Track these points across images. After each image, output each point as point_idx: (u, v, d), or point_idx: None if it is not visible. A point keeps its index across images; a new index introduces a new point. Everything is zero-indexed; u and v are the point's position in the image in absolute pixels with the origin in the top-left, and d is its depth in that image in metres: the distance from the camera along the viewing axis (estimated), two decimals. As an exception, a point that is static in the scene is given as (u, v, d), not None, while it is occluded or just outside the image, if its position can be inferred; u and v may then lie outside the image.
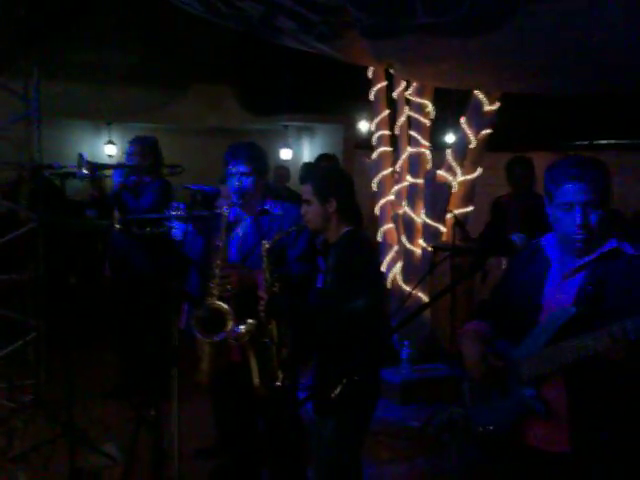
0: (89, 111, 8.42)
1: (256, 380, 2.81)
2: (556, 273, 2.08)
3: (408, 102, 5.49)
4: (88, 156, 4.31)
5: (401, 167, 5.63)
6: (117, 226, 3.81)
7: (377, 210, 5.74)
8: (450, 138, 6.75)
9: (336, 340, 2.58)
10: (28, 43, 4.87)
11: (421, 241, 5.38)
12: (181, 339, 2.88)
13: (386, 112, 5.71)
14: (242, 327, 2.79)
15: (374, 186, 5.74)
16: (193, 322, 2.85)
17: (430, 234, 5.32)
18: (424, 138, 5.40)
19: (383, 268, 5.56)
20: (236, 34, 6.19)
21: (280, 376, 2.75)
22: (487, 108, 5.25)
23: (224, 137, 7.89)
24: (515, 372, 2.04)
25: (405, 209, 5.46)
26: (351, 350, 2.41)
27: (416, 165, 5.41)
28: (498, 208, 5.12)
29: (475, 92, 5.22)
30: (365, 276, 2.58)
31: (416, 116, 5.38)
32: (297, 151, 9.95)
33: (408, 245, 5.42)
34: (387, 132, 5.73)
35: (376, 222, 5.79)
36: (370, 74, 5.69)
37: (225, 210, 3.00)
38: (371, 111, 5.92)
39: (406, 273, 5.41)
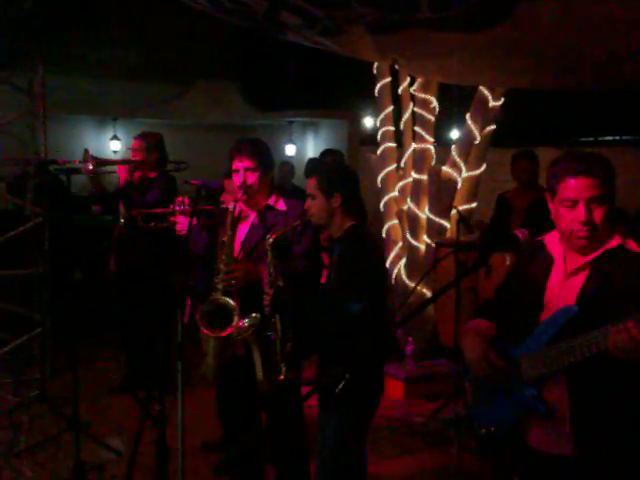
0: (94, 107, 8.44)
1: (260, 374, 2.82)
2: (559, 271, 2.05)
3: (413, 98, 5.48)
4: (93, 151, 4.33)
5: (405, 163, 5.63)
6: (122, 221, 3.82)
7: (381, 206, 5.74)
8: (455, 134, 6.75)
9: (339, 335, 2.59)
10: (33, 38, 4.88)
11: (425, 237, 5.37)
12: (185, 334, 2.88)
13: (390, 108, 5.70)
14: (246, 321, 2.79)
15: (378, 182, 5.74)
16: (198, 317, 2.85)
17: (434, 230, 5.31)
18: (428, 134, 5.39)
19: (387, 264, 5.56)
20: (241, 30, 6.20)
21: (283, 370, 2.76)
22: (492, 104, 5.24)
23: (228, 133, 7.90)
24: (516, 372, 2.02)
25: (409, 205, 5.46)
26: (354, 345, 2.40)
27: (420, 161, 5.40)
28: (503, 203, 5.11)
29: (480, 88, 5.21)
30: (368, 271, 2.58)
31: (421, 112, 5.37)
32: (301, 147, 9.94)
33: (412, 241, 5.41)
34: (391, 128, 5.72)
35: (380, 218, 5.79)
36: (375, 70, 5.68)
37: (230, 205, 3.01)
38: (376, 107, 5.92)
39: (410, 269, 5.41)
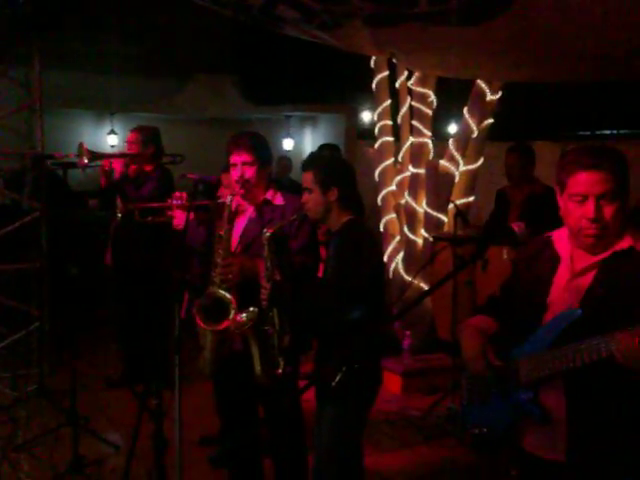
0: (92, 101, 8.43)
1: (258, 368, 2.82)
2: (565, 270, 1.95)
3: (410, 92, 5.48)
4: (90, 146, 4.32)
5: (403, 157, 5.63)
6: (119, 215, 3.81)
7: (379, 200, 5.74)
8: (453, 128, 6.75)
9: (336, 329, 2.59)
10: (30, 32, 4.86)
11: (423, 231, 5.38)
12: (183, 328, 2.88)
13: (388, 102, 5.70)
14: (244, 315, 2.80)
15: (376, 176, 5.73)
16: (195, 311, 2.85)
17: (432, 224, 5.32)
18: (426, 128, 5.38)
19: (385, 258, 5.57)
20: (238, 23, 6.18)
21: (281, 364, 2.76)
22: (489, 98, 5.24)
23: (226, 127, 7.87)
24: (514, 373, 1.94)
25: (407, 199, 5.46)
26: (351, 338, 2.40)
27: (418, 155, 5.40)
28: (501, 198, 5.12)
29: (477, 81, 5.20)
30: (364, 265, 2.58)
31: (418, 106, 5.37)
32: (299, 141, 9.94)
33: (410, 235, 5.42)
34: (389, 122, 5.72)
35: (378, 212, 5.79)
36: (372, 64, 5.68)
37: (227, 199, 3.00)
38: (373, 101, 5.91)
39: (408, 263, 5.41)
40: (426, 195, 5.34)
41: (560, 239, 1.99)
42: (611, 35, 3.64)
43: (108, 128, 9.13)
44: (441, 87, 5.47)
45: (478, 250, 2.33)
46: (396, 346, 5.07)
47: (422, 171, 5.35)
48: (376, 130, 5.77)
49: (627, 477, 1.84)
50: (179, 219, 3.21)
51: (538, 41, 3.89)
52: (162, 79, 8.68)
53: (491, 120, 5.38)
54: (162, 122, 6.71)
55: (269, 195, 3.09)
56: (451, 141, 5.40)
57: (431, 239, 5.26)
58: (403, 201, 5.53)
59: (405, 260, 5.45)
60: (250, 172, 3.01)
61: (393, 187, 5.67)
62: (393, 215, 5.68)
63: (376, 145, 5.75)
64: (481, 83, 5.19)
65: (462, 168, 5.35)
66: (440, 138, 5.86)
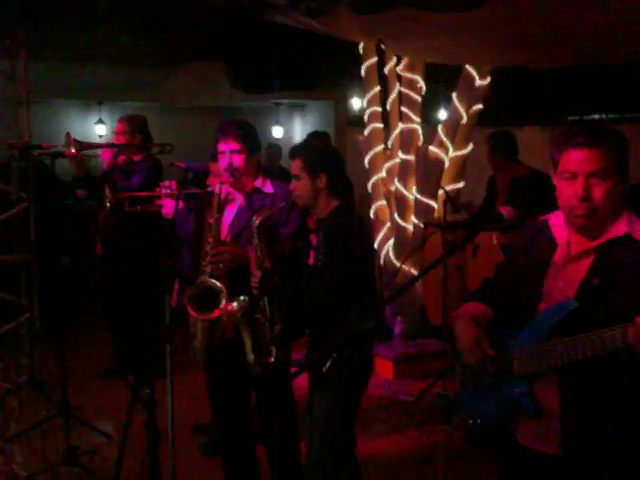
0: (78, 91, 8.35)
1: (250, 356, 2.83)
2: (561, 256, 1.89)
3: (399, 78, 5.47)
4: (78, 136, 4.29)
5: (392, 144, 5.62)
6: (108, 205, 3.79)
7: (369, 187, 5.74)
8: (442, 114, 6.73)
9: (326, 315, 2.60)
10: (15, 22, 4.81)
11: (413, 217, 5.39)
12: (173, 317, 2.88)
13: (377, 88, 5.69)
14: (235, 304, 2.80)
15: (366, 163, 5.73)
16: (186, 300, 2.85)
17: (422, 210, 5.33)
18: (415, 114, 5.38)
19: (376, 245, 5.58)
20: (226, 11, 6.13)
21: (273, 352, 2.77)
22: (478, 83, 5.24)
23: (215, 115, 7.85)
24: (507, 364, 1.90)
25: (397, 186, 5.46)
26: (341, 325, 2.41)
27: (407, 141, 5.40)
28: (491, 184, 5.14)
29: (466, 67, 5.20)
30: (353, 251, 2.58)
31: (407, 92, 5.36)
32: (289, 129, 9.90)
33: (400, 222, 5.43)
34: (378, 109, 5.71)
35: (368, 199, 5.79)
36: (361, 50, 5.66)
37: (217, 188, 2.99)
38: (362, 88, 5.90)
39: (399, 250, 5.43)
40: (416, 181, 5.35)
41: (557, 223, 1.94)
42: (600, 19, 3.64)
43: (96, 118, 9.06)
44: (430, 73, 5.46)
45: (466, 234, 2.29)
46: (387, 332, 5.10)
47: (412, 157, 5.35)
48: (365, 117, 5.76)
49: (621, 470, 1.81)
50: (168, 208, 3.20)
51: (527, 26, 3.88)
52: (150, 68, 8.60)
53: (480, 106, 5.38)
54: (150, 111, 6.68)
55: (258, 183, 3.08)
56: (440, 127, 5.40)
57: (421, 225, 5.27)
58: (393, 188, 5.53)
59: (396, 247, 5.46)
60: (238, 160, 3.00)
61: (383, 174, 5.67)
62: (383, 202, 5.69)
63: (365, 132, 5.74)
64: (470, 68, 5.18)
65: (451, 154, 5.36)
66: (430, 124, 5.85)
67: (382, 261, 5.53)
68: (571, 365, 1.76)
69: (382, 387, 4.74)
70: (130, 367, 4.65)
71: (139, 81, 8.58)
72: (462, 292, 4.46)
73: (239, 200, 3.09)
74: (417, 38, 4.66)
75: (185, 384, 3.90)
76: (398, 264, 5.37)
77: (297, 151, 2.77)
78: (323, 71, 8.37)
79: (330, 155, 2.79)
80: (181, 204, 3.17)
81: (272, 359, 2.77)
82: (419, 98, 5.38)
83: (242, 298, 2.79)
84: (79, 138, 4.25)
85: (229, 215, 3.09)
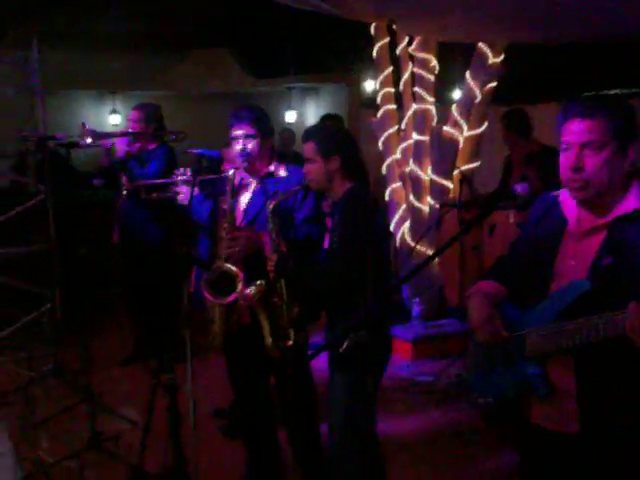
0: (92, 81, 8.39)
1: (268, 340, 2.85)
2: (571, 234, 1.86)
3: (412, 58, 5.42)
4: (92, 126, 4.32)
5: (406, 125, 5.59)
6: (124, 192, 3.82)
7: (384, 169, 5.72)
8: (457, 94, 6.68)
9: (342, 297, 2.60)
10: (27, 13, 4.83)
11: (429, 198, 5.36)
12: (192, 303, 2.90)
13: (390, 69, 5.64)
14: (251, 288, 2.81)
15: (380, 145, 5.70)
16: (203, 285, 2.87)
17: (437, 191, 5.30)
18: (429, 94, 5.33)
19: (392, 227, 5.57)
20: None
21: (291, 335, 2.78)
22: (492, 61, 5.18)
23: (227, 102, 7.84)
24: (520, 344, 1.88)
25: (412, 167, 5.43)
26: (357, 305, 2.41)
27: (421, 122, 5.36)
28: (507, 163, 5.10)
29: (479, 45, 5.14)
30: (368, 232, 2.57)
31: (420, 72, 5.32)
32: (302, 113, 9.87)
33: (416, 203, 5.40)
34: (391, 90, 5.67)
35: (383, 182, 5.77)
36: (372, 31, 5.61)
37: (230, 173, 3.00)
38: (375, 69, 5.85)
39: (414, 231, 5.41)
40: (431, 162, 5.32)
41: (566, 199, 1.90)
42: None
43: (110, 107, 9.10)
44: (444, 53, 5.41)
45: (482, 212, 2.26)
46: (405, 314, 5.10)
47: (426, 138, 5.31)
48: (378, 99, 5.72)
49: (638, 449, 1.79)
50: (184, 195, 3.22)
51: (539, 2, 3.83)
52: (162, 56, 8.62)
53: (495, 83, 5.32)
54: (164, 99, 6.67)
55: (273, 167, 3.08)
56: (454, 106, 5.35)
57: (437, 206, 5.24)
58: (408, 169, 5.50)
59: (412, 228, 5.44)
60: (252, 145, 3.00)
61: (397, 155, 5.63)
62: (398, 184, 5.66)
63: (379, 114, 5.71)
64: (483, 46, 5.12)
65: (466, 133, 5.31)
66: (444, 104, 5.80)
67: (398, 243, 5.52)
68: (583, 346, 1.74)
69: (401, 368, 4.75)
70: (151, 353, 4.71)
71: (152, 70, 8.61)
72: (479, 272, 4.44)
73: (254, 185, 3.10)
74: (429, 17, 4.61)
75: (206, 369, 3.95)
76: (413, 245, 5.36)
77: (310, 134, 2.76)
78: (335, 54, 8.32)
79: (343, 137, 2.78)
80: (196, 190, 3.20)
81: (290, 342, 2.79)
82: (432, 78, 5.33)
83: (259, 282, 2.81)
84: (93, 128, 4.28)
85: (244, 200, 3.10)
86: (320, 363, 2.84)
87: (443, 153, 5.24)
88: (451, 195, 5.25)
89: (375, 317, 1.89)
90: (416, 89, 5.36)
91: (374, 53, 5.65)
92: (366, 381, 2.70)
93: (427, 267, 5.23)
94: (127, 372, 4.80)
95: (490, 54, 5.14)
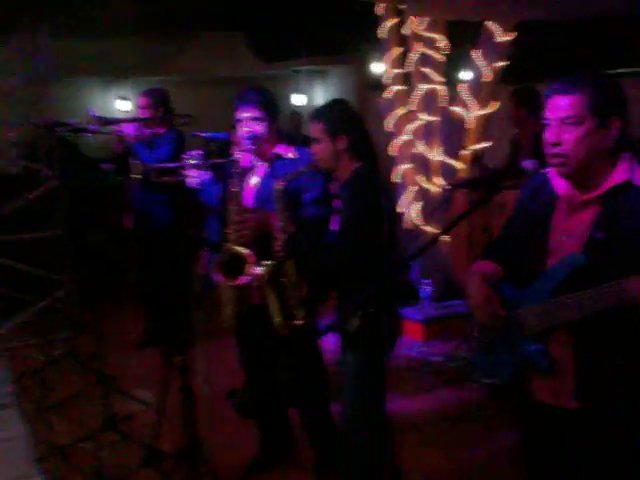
0: (98, 67, 8.39)
1: (277, 320, 2.87)
2: (563, 210, 1.88)
3: (420, 38, 5.38)
4: (99, 112, 4.34)
5: (415, 105, 5.55)
6: (135, 176, 3.84)
7: (393, 151, 5.70)
8: (467, 75, 6.63)
9: (350, 276, 2.61)
10: (35, 1, 4.83)
11: (438, 179, 5.35)
12: (202, 285, 2.93)
13: (398, 50, 5.60)
14: (260, 269, 2.83)
15: (389, 126, 5.68)
16: (214, 267, 2.89)
17: (447, 172, 5.28)
18: (437, 74, 5.30)
19: (401, 209, 5.56)
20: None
21: (301, 314, 2.80)
22: (501, 39, 5.12)
23: (234, 86, 7.79)
24: (519, 323, 1.90)
25: (421, 148, 5.41)
26: (365, 284, 2.41)
27: (430, 102, 5.34)
28: (514, 143, 5.07)
29: (488, 23, 5.09)
30: (376, 211, 2.57)
31: (429, 52, 5.28)
32: (310, 96, 9.84)
33: (425, 184, 5.39)
34: (400, 70, 5.63)
35: (392, 163, 5.75)
36: (378, 11, 5.56)
37: (238, 156, 3.01)
38: (383, 50, 5.81)
39: (424, 212, 5.40)
40: (440, 142, 5.29)
41: (556, 176, 1.91)
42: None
43: (116, 94, 9.09)
44: (453, 32, 5.36)
45: (489, 190, 2.26)
46: (414, 295, 5.11)
47: (435, 118, 5.29)
48: (387, 79, 5.69)
49: (635, 423, 1.81)
50: (194, 178, 3.23)
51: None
52: (169, 41, 8.60)
53: (504, 62, 5.27)
54: (171, 84, 6.67)
55: (281, 149, 3.09)
56: (463, 86, 5.31)
57: (447, 187, 5.23)
58: (417, 150, 5.48)
59: (422, 209, 5.43)
60: (259, 127, 3.00)
61: (406, 136, 5.61)
62: (408, 165, 5.64)
63: (387, 94, 5.67)
64: (492, 25, 5.08)
65: (475, 113, 5.28)
66: (453, 85, 5.75)
67: (408, 224, 5.52)
68: (582, 320, 1.75)
69: (412, 349, 4.77)
70: (164, 336, 4.75)
71: (158, 55, 8.59)
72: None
73: (263, 168, 3.11)
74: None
75: (220, 350, 3.98)
76: (424, 227, 5.36)
77: (317, 114, 2.76)
78: (343, 36, 8.27)
79: (350, 117, 2.77)
80: (206, 174, 3.21)
81: (299, 321, 2.81)
82: (441, 57, 5.29)
83: (267, 263, 2.83)
84: (101, 115, 4.29)
85: (253, 183, 3.11)
86: (331, 343, 2.86)
87: (452, 134, 5.22)
88: (461, 175, 5.23)
89: (384, 295, 1.89)
90: (424, 69, 5.33)
91: (382, 34, 5.61)
92: (376, 359, 2.72)
93: (436, 248, 5.23)
94: (140, 355, 4.85)
95: (499, 33, 5.09)
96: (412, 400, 3.98)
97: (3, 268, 4.79)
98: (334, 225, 2.78)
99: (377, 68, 8.39)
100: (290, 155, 3.07)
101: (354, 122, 2.76)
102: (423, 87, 5.38)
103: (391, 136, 5.67)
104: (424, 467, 3.25)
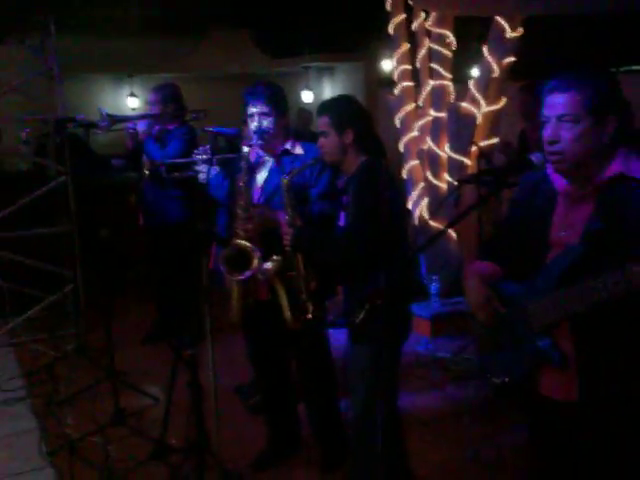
0: (109, 64, 8.43)
1: (287, 313, 2.87)
2: (562, 205, 1.89)
3: (428, 34, 5.37)
4: (110, 109, 4.36)
5: (424, 101, 5.55)
6: (146, 172, 3.85)
7: (401, 147, 5.69)
8: (476, 72, 6.60)
9: (358, 269, 2.61)
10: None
11: (446, 175, 5.34)
12: (211, 279, 2.94)
13: (406, 46, 5.60)
14: (269, 264, 2.84)
15: (397, 122, 5.67)
16: (220, 261, 2.90)
17: (455, 168, 5.27)
18: (446, 70, 5.29)
19: (410, 205, 5.56)
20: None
21: (310, 308, 2.80)
22: (509, 35, 5.11)
23: (244, 82, 7.81)
24: (524, 319, 1.89)
25: (429, 144, 5.40)
26: (372, 278, 2.41)
27: (439, 98, 5.33)
28: (521, 138, 5.06)
29: (497, 19, 5.07)
30: (384, 204, 2.57)
31: (437, 48, 5.27)
32: (318, 93, 9.83)
33: (434, 180, 5.38)
34: (408, 66, 5.63)
35: (401, 159, 5.75)
36: (388, 7, 5.56)
37: (246, 151, 3.02)
38: (391, 46, 5.81)
39: (433, 209, 5.39)
40: (448, 138, 5.28)
41: (554, 173, 1.92)
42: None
43: (127, 91, 9.13)
44: (461, 29, 5.35)
45: (497, 184, 2.26)
46: (423, 291, 5.10)
47: (443, 115, 5.27)
48: (395, 76, 5.68)
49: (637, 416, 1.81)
50: (204, 173, 3.23)
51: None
52: (178, 38, 8.62)
53: (513, 58, 5.25)
54: (181, 81, 6.67)
55: (288, 145, 3.09)
56: (472, 82, 5.30)
57: (455, 183, 5.22)
58: (425, 146, 5.47)
59: (430, 205, 5.43)
60: (267, 122, 3.01)
61: (415, 132, 5.61)
62: (416, 161, 5.64)
63: (396, 91, 5.67)
64: (500, 20, 5.06)
65: (484, 109, 5.26)
66: (462, 81, 5.74)
67: (417, 221, 5.51)
68: (586, 311, 1.75)
69: (420, 345, 4.77)
70: (173, 331, 4.77)
71: (168, 52, 8.62)
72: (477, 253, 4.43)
73: (270, 163, 3.11)
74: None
75: (227, 345, 4.00)
76: (433, 223, 5.35)
77: (323, 107, 2.76)
78: (351, 32, 8.26)
79: (356, 111, 2.77)
80: (216, 169, 3.22)
81: (309, 315, 2.81)
82: (449, 53, 5.28)
83: (275, 258, 2.84)
84: (111, 112, 4.32)
85: (261, 178, 3.12)
86: (340, 337, 2.87)
87: (461, 130, 5.20)
88: (469, 172, 5.22)
89: (391, 289, 1.88)
90: (433, 65, 5.32)
91: (390, 29, 5.61)
92: (385, 354, 2.72)
93: (446, 244, 5.23)
94: (149, 350, 4.87)
95: (508, 28, 5.07)
96: (420, 396, 3.98)
97: (13, 264, 4.83)
98: (341, 221, 2.78)
99: (386, 65, 8.39)
100: (298, 151, 3.07)
101: (360, 116, 2.76)
102: (431, 83, 5.37)
103: (400, 132, 5.67)
104: (430, 463, 3.25)
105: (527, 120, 4.85)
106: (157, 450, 3.31)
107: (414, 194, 5.59)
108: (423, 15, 5.40)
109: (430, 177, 5.40)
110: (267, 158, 3.11)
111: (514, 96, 5.09)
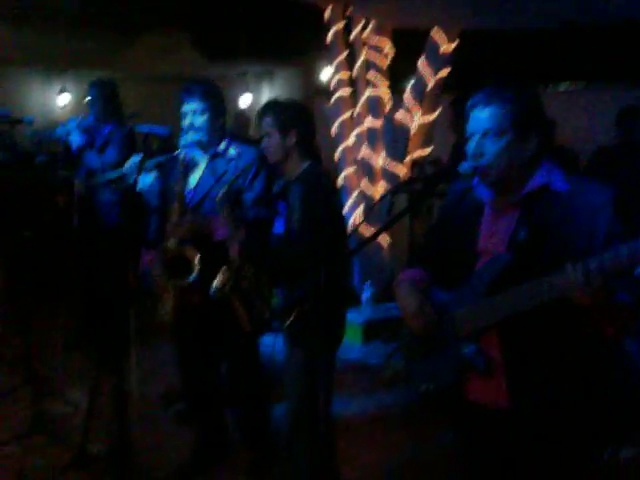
0: (39, 59, 8.14)
1: (247, 325, 2.80)
2: (489, 216, 1.93)
3: (366, 44, 5.42)
4: (40, 106, 4.21)
5: (360, 110, 5.59)
6: (82, 191, 3.73)
7: (337, 155, 5.71)
8: (411, 82, 6.71)
9: (299, 273, 2.58)
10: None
11: (382, 184, 5.39)
12: (139, 284, 2.86)
13: (344, 54, 5.63)
14: (217, 280, 2.76)
15: (334, 130, 5.69)
16: (159, 269, 2.82)
17: (390, 177, 5.33)
18: (383, 80, 5.35)
19: (345, 212, 5.58)
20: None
21: (267, 312, 2.75)
22: (445, 47, 5.21)
23: (180, 84, 7.70)
24: (452, 326, 1.92)
25: (365, 153, 5.45)
26: (311, 282, 2.38)
27: (375, 108, 5.38)
28: (456, 146, 5.16)
29: (432, 31, 5.16)
30: (329, 211, 2.56)
31: (374, 57, 5.32)
32: (257, 97, 9.80)
33: (369, 189, 5.43)
34: (346, 75, 5.66)
35: (335, 169, 5.76)
36: (327, 15, 5.58)
37: (180, 153, 2.96)
38: (329, 54, 5.83)
39: (367, 216, 5.43)
40: (384, 148, 5.34)
41: (480, 184, 1.94)
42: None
43: (58, 87, 8.85)
44: (399, 40, 5.42)
45: (425, 191, 2.30)
46: (355, 298, 5.13)
47: (379, 124, 5.33)
48: (332, 84, 5.70)
49: (568, 418, 1.84)
50: (141, 182, 3.13)
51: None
52: (113, 35, 8.41)
53: (447, 70, 5.36)
54: (114, 80, 6.52)
55: (223, 145, 3.04)
56: (406, 93, 5.38)
57: (387, 191, 5.27)
58: (361, 155, 5.51)
59: (365, 213, 5.46)
60: (202, 120, 2.95)
61: (351, 141, 5.64)
62: (352, 169, 5.67)
63: (333, 99, 5.69)
64: (436, 33, 5.16)
65: (418, 120, 5.35)
66: (400, 92, 5.82)
67: (351, 229, 5.53)
68: (512, 318, 1.79)
69: (352, 351, 4.78)
70: (98, 336, 4.62)
71: (102, 49, 8.40)
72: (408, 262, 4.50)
73: (203, 164, 3.05)
74: (384, 1, 4.61)
75: (154, 350, 3.90)
76: (366, 231, 5.38)
77: (267, 108, 2.74)
78: (291, 39, 8.26)
79: (299, 112, 2.76)
80: (151, 174, 3.13)
81: (267, 316, 2.76)
82: (386, 63, 5.34)
83: (223, 269, 2.76)
84: (41, 108, 4.17)
85: (193, 179, 3.05)
86: (268, 341, 2.83)
87: (396, 139, 5.28)
88: (403, 180, 5.29)
89: (321, 292, 1.86)
90: (370, 75, 5.37)
91: (329, 38, 5.63)
92: (317, 358, 2.69)
93: (378, 251, 5.27)
94: (72, 356, 4.70)
95: (443, 41, 5.18)
96: (349, 402, 3.98)
97: None
98: (277, 228, 2.75)
99: (324, 73, 8.42)
100: (232, 151, 3.02)
101: (303, 116, 2.75)
102: (367, 93, 5.41)
103: (336, 140, 5.69)
104: (359, 468, 3.25)
105: (456, 133, 4.96)
106: (77, 458, 3.19)
107: (349, 202, 5.62)
108: (362, 25, 5.44)
109: (365, 185, 5.44)
110: (200, 159, 3.05)
111: (447, 108, 5.20)
